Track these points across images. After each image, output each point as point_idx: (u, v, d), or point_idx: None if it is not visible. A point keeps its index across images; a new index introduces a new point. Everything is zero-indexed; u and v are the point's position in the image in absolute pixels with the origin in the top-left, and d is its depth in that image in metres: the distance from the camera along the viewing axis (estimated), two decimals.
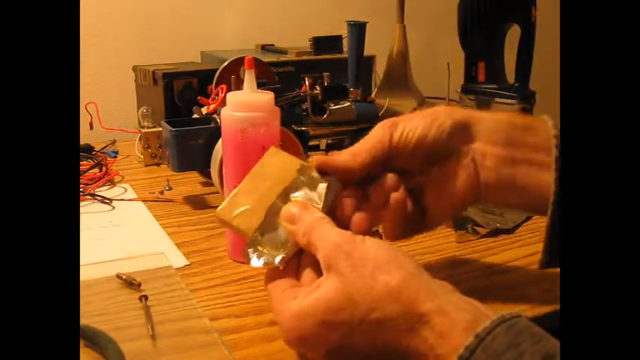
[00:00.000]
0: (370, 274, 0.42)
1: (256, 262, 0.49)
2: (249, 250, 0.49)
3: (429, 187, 0.54)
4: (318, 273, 0.46)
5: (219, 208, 0.52)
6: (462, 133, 0.52)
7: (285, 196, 0.50)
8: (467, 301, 0.42)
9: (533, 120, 0.52)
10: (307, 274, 0.47)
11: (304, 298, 0.44)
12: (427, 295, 0.41)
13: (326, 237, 0.46)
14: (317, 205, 0.49)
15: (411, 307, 0.41)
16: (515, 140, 0.51)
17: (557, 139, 0.49)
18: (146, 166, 0.98)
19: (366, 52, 0.96)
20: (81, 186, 0.84)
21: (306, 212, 0.48)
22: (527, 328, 0.39)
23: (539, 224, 0.71)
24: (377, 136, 0.52)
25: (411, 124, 0.52)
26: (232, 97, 0.63)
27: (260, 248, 0.49)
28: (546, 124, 0.51)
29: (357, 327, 0.42)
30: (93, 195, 0.83)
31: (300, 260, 0.49)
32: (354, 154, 0.52)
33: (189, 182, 0.90)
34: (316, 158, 0.52)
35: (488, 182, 0.52)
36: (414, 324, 0.41)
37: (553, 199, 0.48)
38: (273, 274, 0.48)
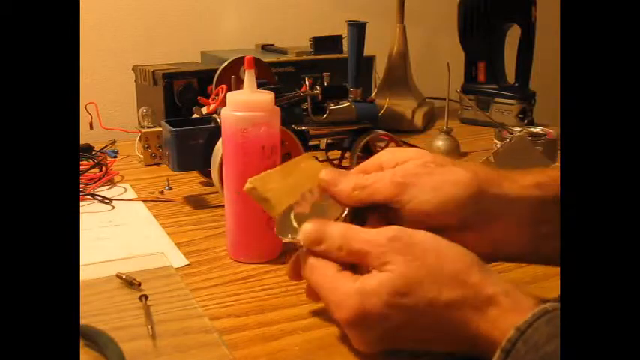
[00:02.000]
0: (434, 262, 0.44)
1: (285, 235, 0.49)
2: (280, 222, 0.50)
3: None
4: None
5: (250, 179, 0.52)
6: (480, 217, 0.48)
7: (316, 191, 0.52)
8: (527, 292, 0.43)
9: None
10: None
11: (369, 279, 0.44)
12: (492, 280, 0.43)
13: (372, 239, 0.46)
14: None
15: (478, 290, 0.43)
16: (542, 218, 0.49)
17: None
18: (146, 166, 0.98)
19: (366, 52, 0.96)
20: (81, 186, 0.84)
21: (327, 226, 0.48)
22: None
23: None
24: (383, 187, 0.49)
25: (422, 196, 0.48)
26: (232, 96, 0.63)
27: (289, 224, 0.50)
28: None
29: (424, 310, 0.43)
30: (93, 195, 0.83)
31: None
32: (354, 189, 0.50)
33: (189, 182, 0.90)
34: (323, 179, 0.51)
35: (511, 254, 0.51)
36: (481, 305, 0.42)
37: None
38: (317, 261, 0.48)
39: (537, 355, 0.37)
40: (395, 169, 0.51)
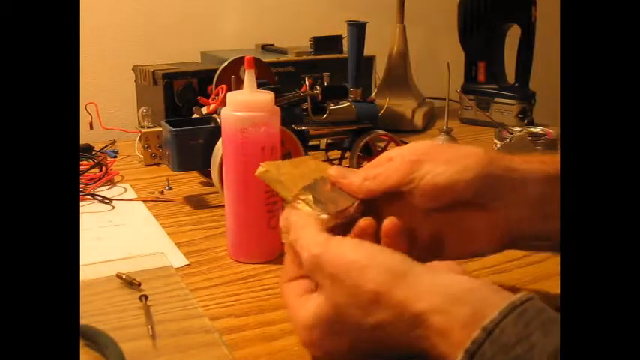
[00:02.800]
0: (353, 283, 0.42)
1: (304, 207, 0.49)
2: (300, 196, 0.50)
3: (446, 229, 0.50)
4: None
5: (263, 163, 0.52)
6: (492, 190, 0.48)
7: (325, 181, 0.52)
8: (468, 289, 0.39)
9: None
10: None
11: (308, 310, 0.45)
12: (418, 294, 0.40)
13: (304, 245, 0.45)
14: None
15: (403, 310, 0.40)
16: (551, 196, 0.48)
17: None
18: (146, 166, 0.98)
19: (366, 52, 0.96)
20: (81, 186, 0.84)
21: (295, 214, 0.48)
22: (539, 314, 0.37)
23: None
24: (395, 170, 0.49)
25: (436, 170, 0.47)
26: (232, 96, 0.63)
27: (305, 198, 0.49)
28: None
29: (357, 332, 0.42)
30: (93, 195, 0.83)
31: None
32: (365, 179, 0.50)
33: (189, 182, 0.90)
34: (331, 175, 0.51)
35: (523, 235, 0.50)
36: (410, 325, 0.40)
37: None
38: (289, 274, 0.48)
39: (507, 358, 0.35)
40: (403, 151, 0.50)
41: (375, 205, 0.50)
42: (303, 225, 0.47)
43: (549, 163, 0.49)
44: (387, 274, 0.41)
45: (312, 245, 0.44)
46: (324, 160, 0.93)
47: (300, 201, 0.49)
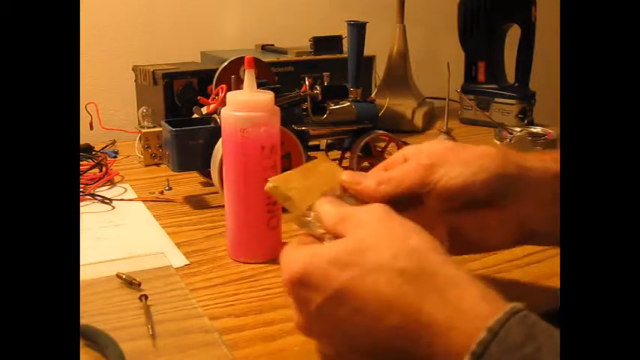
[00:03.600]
0: (403, 232, 0.42)
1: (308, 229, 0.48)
2: (302, 221, 0.49)
3: (460, 227, 0.51)
4: None
5: (272, 178, 0.51)
6: (506, 189, 0.48)
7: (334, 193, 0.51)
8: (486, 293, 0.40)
9: None
10: None
11: (324, 243, 0.44)
12: (445, 264, 0.40)
13: (358, 207, 0.45)
14: None
15: (431, 271, 0.39)
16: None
17: None
18: (146, 166, 0.98)
19: (366, 52, 0.96)
20: (81, 186, 0.84)
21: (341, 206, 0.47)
22: (539, 321, 0.37)
23: None
24: (410, 173, 0.49)
25: (452, 172, 0.48)
26: (232, 96, 0.63)
27: (309, 220, 0.48)
28: None
29: (371, 272, 0.40)
30: (93, 195, 0.83)
31: None
32: (379, 183, 0.49)
33: (189, 182, 0.90)
34: (344, 180, 0.50)
35: (537, 233, 0.50)
36: (433, 287, 0.39)
37: None
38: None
39: (515, 358, 0.35)
40: (419, 152, 0.50)
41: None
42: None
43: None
44: (428, 238, 0.42)
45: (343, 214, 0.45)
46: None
47: (309, 216, 0.48)
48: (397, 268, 0.40)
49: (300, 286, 0.42)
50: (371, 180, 0.50)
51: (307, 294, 0.42)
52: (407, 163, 0.50)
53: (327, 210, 0.46)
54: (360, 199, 0.50)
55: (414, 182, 0.49)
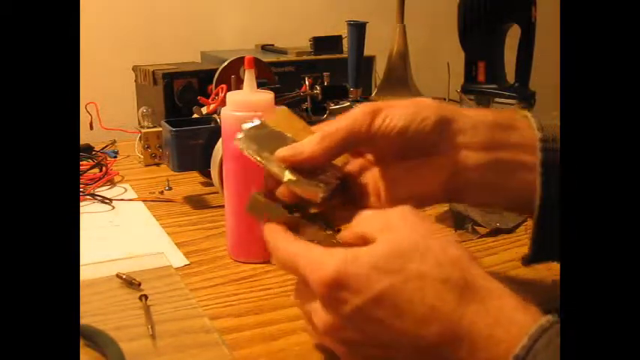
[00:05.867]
0: (440, 244, 0.42)
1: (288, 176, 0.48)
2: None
3: (398, 180, 0.51)
4: None
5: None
6: (445, 130, 0.49)
7: None
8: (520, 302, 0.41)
9: (515, 118, 0.51)
10: None
11: (356, 248, 0.42)
12: (484, 277, 0.41)
13: (381, 211, 0.46)
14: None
15: (472, 282, 0.40)
16: (498, 140, 0.50)
17: (542, 142, 0.49)
18: (146, 166, 0.98)
19: (366, 52, 0.96)
20: (81, 186, 0.84)
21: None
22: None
23: None
24: (355, 121, 0.49)
25: (393, 113, 0.49)
26: (232, 96, 0.63)
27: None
28: (529, 123, 0.50)
29: (414, 280, 0.40)
30: (93, 195, 0.83)
31: None
32: (323, 138, 0.48)
33: (189, 182, 0.90)
34: (283, 158, 0.48)
35: (470, 183, 0.50)
36: (474, 297, 0.40)
37: (539, 202, 0.48)
38: (286, 239, 0.46)
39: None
40: (361, 106, 0.51)
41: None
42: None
43: (500, 114, 0.52)
44: (468, 253, 0.42)
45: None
46: None
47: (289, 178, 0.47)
48: (441, 276, 0.40)
49: (337, 287, 0.41)
50: (314, 139, 0.49)
51: (344, 295, 0.41)
52: (350, 112, 0.50)
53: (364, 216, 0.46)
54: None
55: (359, 128, 0.48)
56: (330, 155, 0.49)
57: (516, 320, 0.39)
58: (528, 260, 0.52)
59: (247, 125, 0.51)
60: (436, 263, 0.41)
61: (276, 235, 0.47)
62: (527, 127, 0.50)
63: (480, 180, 0.50)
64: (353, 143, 0.49)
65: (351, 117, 0.49)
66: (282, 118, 0.53)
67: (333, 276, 0.41)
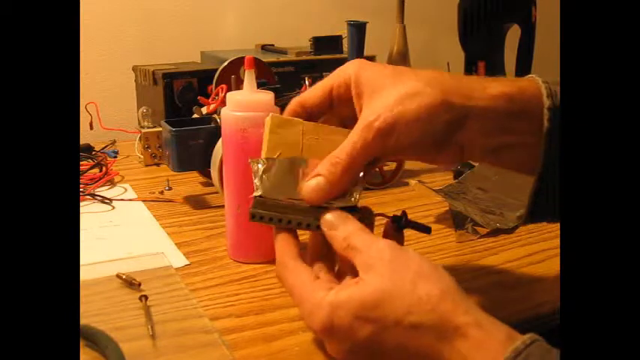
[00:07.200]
0: (411, 280, 0.43)
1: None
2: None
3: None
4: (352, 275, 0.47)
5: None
6: (456, 128, 0.50)
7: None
8: (500, 322, 0.42)
9: (529, 100, 0.51)
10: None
11: (341, 291, 0.44)
12: (464, 309, 0.42)
13: (371, 242, 0.46)
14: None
15: (447, 318, 0.42)
16: (507, 128, 0.50)
17: (550, 112, 0.49)
18: (146, 166, 0.98)
19: (366, 52, 0.96)
20: (81, 186, 0.84)
21: (348, 221, 0.48)
22: (551, 351, 0.39)
23: (539, 224, 0.71)
24: (368, 147, 0.49)
25: (406, 131, 0.48)
26: (232, 96, 0.63)
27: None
28: (540, 101, 0.50)
29: (390, 327, 0.42)
30: (93, 195, 0.83)
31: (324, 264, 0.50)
32: (343, 173, 0.49)
33: (189, 182, 0.90)
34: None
35: (473, 158, 0.53)
36: (448, 335, 0.41)
37: (540, 170, 0.50)
38: (294, 264, 0.49)
39: None
40: (354, 84, 0.51)
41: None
42: (362, 228, 0.48)
43: (515, 99, 0.51)
44: (445, 284, 0.43)
45: (379, 241, 0.46)
46: None
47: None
48: (412, 323, 0.42)
49: (330, 335, 0.45)
50: (334, 177, 0.49)
51: (335, 340, 0.45)
52: (359, 129, 0.49)
53: (334, 234, 0.48)
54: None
55: (374, 152, 0.49)
56: (352, 182, 0.50)
57: (497, 339, 0.41)
58: (524, 219, 0.54)
59: (256, 179, 0.50)
60: (406, 311, 0.42)
61: (282, 259, 0.50)
62: (538, 107, 0.50)
63: (483, 159, 0.53)
64: (367, 163, 0.51)
65: (360, 139, 0.49)
66: (277, 127, 0.52)
67: (321, 328, 0.45)
